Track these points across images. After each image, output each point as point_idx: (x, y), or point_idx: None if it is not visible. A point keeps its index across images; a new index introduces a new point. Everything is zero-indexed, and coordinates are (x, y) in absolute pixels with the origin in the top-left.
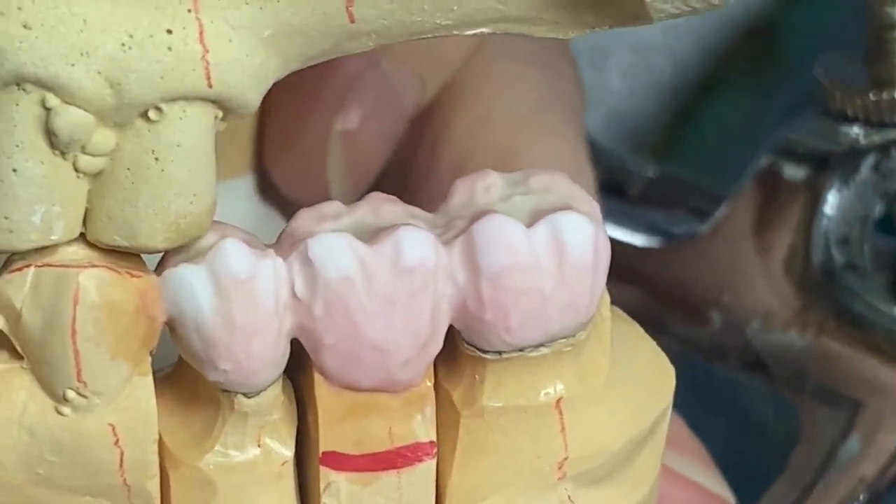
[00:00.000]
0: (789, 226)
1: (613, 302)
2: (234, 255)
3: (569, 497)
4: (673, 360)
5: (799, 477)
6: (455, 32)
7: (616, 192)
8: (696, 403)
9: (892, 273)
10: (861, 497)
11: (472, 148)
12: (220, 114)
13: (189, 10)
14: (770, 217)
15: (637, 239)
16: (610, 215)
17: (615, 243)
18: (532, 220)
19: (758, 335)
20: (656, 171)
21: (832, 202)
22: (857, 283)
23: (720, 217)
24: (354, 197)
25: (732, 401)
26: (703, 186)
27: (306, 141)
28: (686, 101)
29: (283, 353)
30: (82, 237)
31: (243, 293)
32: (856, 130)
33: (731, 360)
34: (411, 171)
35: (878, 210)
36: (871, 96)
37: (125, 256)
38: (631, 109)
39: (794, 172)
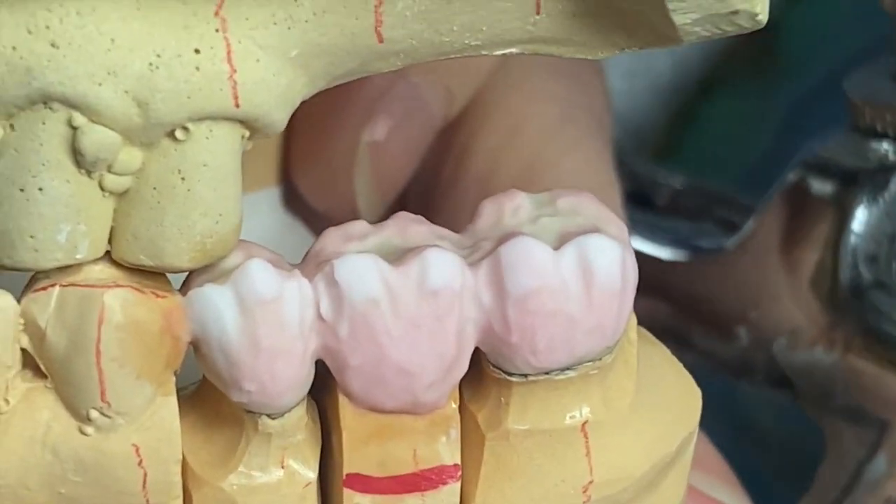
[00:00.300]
0: (817, 242)
1: (638, 315)
2: (260, 275)
3: None
4: (697, 375)
5: (825, 495)
6: (484, 52)
7: (643, 204)
8: (715, 420)
9: None
10: None
11: (498, 161)
12: (247, 133)
13: (217, 30)
14: (797, 233)
15: (663, 252)
16: (636, 227)
17: (641, 256)
18: (560, 242)
19: (784, 352)
20: (683, 183)
21: (860, 219)
22: (886, 301)
23: (747, 232)
24: (382, 208)
25: (750, 416)
26: (729, 198)
27: (334, 152)
28: (686, 102)
29: (307, 375)
30: (107, 256)
31: (268, 314)
32: (885, 146)
33: (756, 377)
34: (438, 182)
35: None
36: None
37: (150, 276)
38: (631, 109)
39: (822, 188)
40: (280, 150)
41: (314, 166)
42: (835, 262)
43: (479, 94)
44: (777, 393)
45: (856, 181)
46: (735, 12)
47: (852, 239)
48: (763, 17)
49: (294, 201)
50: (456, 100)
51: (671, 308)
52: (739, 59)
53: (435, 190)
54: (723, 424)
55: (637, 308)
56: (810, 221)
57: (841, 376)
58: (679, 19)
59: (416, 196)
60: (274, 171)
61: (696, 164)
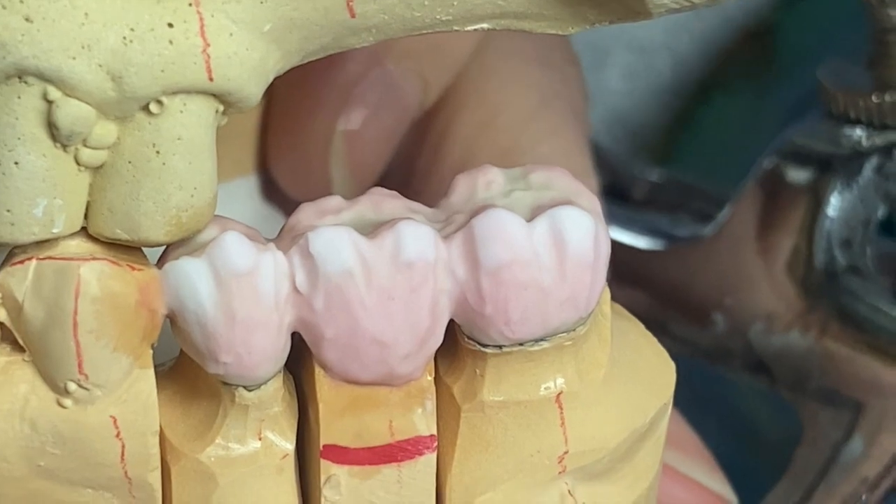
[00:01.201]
0: (792, 228)
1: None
2: (235, 248)
3: (569, 491)
4: (677, 363)
5: (801, 478)
6: (455, 28)
7: (620, 197)
8: (693, 405)
9: (894, 275)
10: (864, 498)
11: (475, 148)
12: (221, 108)
13: (190, 4)
14: (773, 219)
15: (640, 241)
16: (613, 218)
17: (618, 246)
18: (532, 215)
19: (760, 337)
20: (661, 176)
21: (835, 204)
22: (860, 285)
23: (723, 220)
24: (356, 192)
25: (728, 401)
26: (706, 190)
27: (309, 141)
28: (686, 102)
29: (283, 347)
30: (84, 231)
31: (244, 287)
32: (858, 133)
33: (733, 363)
34: (414, 171)
35: (880, 212)
36: (874, 99)
37: (127, 250)
38: (631, 110)
39: (796, 175)
40: (257, 138)
41: (290, 155)
42: (809, 248)
43: (454, 82)
44: (754, 378)
45: (830, 167)
46: None
47: (827, 224)
48: None
49: (271, 190)
50: (431, 88)
51: (648, 297)
52: (739, 59)
53: (411, 178)
54: (702, 410)
55: (615, 298)
56: (785, 208)
57: (816, 359)
58: (653, 2)
59: (392, 184)
60: (251, 160)
61: (696, 165)
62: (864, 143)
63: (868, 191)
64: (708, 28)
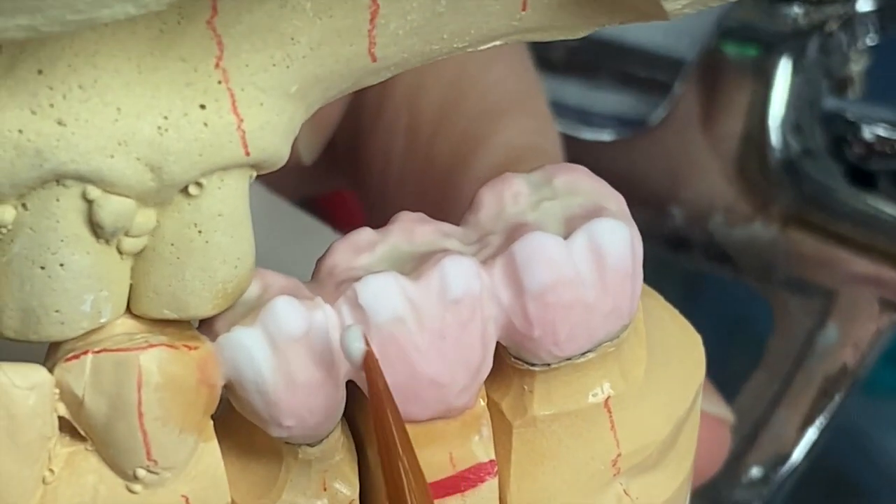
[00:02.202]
0: (739, 113)
1: None
2: (287, 312)
3: (624, 491)
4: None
5: (777, 367)
6: (469, 50)
7: (540, 63)
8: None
9: (844, 157)
10: (845, 383)
11: (423, 79)
12: (255, 173)
13: (219, 82)
14: (718, 105)
15: (586, 133)
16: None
17: (563, 139)
18: (566, 228)
19: (721, 229)
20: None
21: (782, 87)
22: (816, 169)
23: (668, 107)
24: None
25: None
26: (623, 49)
27: None
28: None
29: (342, 399)
30: (126, 310)
31: (300, 349)
32: (795, 10)
33: (695, 254)
34: (364, 106)
35: (824, 88)
36: None
37: (172, 323)
38: None
39: (739, 55)
40: None
41: None
42: (761, 135)
43: None
44: (717, 268)
45: (772, 47)
46: None
47: (776, 109)
48: None
49: None
50: None
51: None
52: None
53: (363, 113)
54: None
55: None
56: (730, 92)
57: (782, 250)
58: (670, 6)
59: (346, 121)
60: None
61: (640, 39)
62: (803, 20)
63: (812, 70)
64: (708, 28)
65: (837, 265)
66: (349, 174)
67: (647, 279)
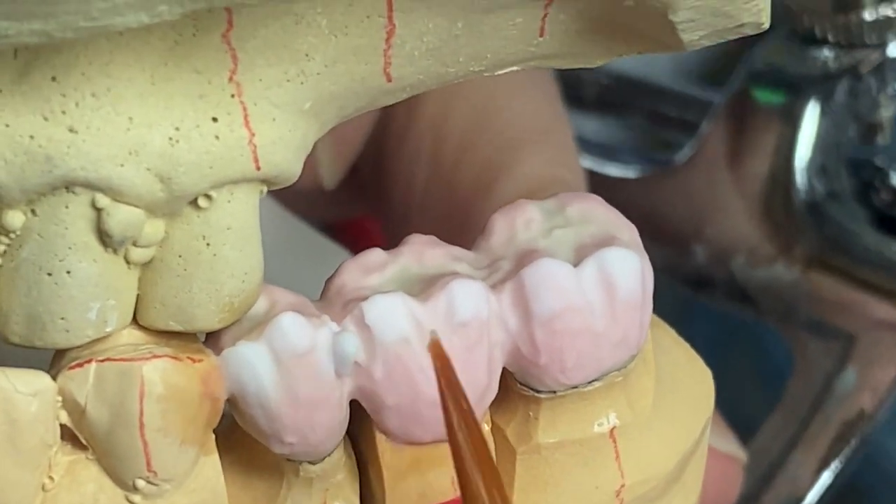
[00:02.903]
0: (765, 155)
1: None
2: (293, 328)
3: None
4: (661, 293)
5: (795, 409)
6: (486, 74)
7: (572, 101)
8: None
9: (870, 201)
10: (861, 428)
11: (450, 106)
12: (265, 189)
13: (232, 95)
14: (745, 144)
15: (612, 169)
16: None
17: (589, 174)
18: (577, 256)
19: (743, 270)
20: (610, 78)
21: (809, 130)
22: (841, 212)
23: (695, 145)
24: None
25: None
26: (656, 88)
27: None
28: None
29: (344, 418)
30: (133, 321)
31: (304, 366)
32: (826, 53)
33: (717, 293)
34: (390, 131)
35: (852, 133)
36: (840, 18)
37: (178, 335)
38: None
39: (767, 97)
40: None
41: None
42: (787, 176)
43: None
44: (739, 309)
45: (801, 90)
46: (741, 25)
47: (803, 151)
48: (766, 24)
49: None
50: None
51: None
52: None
53: (387, 138)
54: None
55: None
56: (757, 133)
57: (803, 292)
58: (687, 37)
59: (370, 146)
60: None
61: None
62: (832, 63)
63: (840, 114)
64: None
65: (858, 309)
66: (371, 199)
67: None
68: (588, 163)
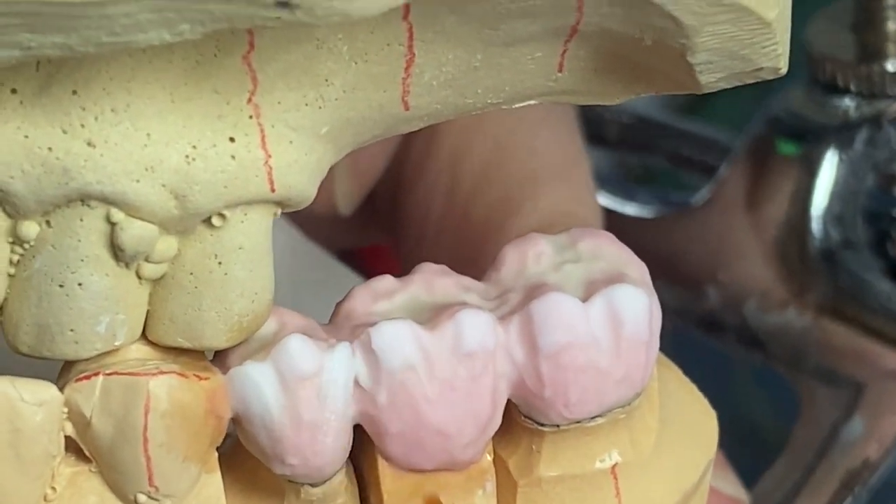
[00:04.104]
0: (782, 200)
1: None
2: (299, 351)
3: None
4: (669, 338)
5: (800, 456)
6: (503, 107)
7: (594, 140)
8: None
9: (884, 251)
10: (866, 477)
11: (470, 139)
12: (279, 210)
13: (250, 117)
14: (763, 190)
15: (630, 208)
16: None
17: (605, 213)
18: (586, 291)
19: (755, 314)
20: (631, 117)
21: (827, 178)
22: (855, 261)
23: (713, 189)
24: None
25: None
26: (676, 129)
27: None
28: (687, 102)
29: (347, 442)
30: (141, 336)
31: (309, 389)
32: (847, 102)
33: (727, 337)
34: (408, 160)
35: (869, 182)
36: (862, 68)
37: (186, 352)
38: (633, 106)
39: (786, 145)
40: None
41: None
42: (802, 223)
43: None
44: (748, 353)
45: (820, 138)
46: (759, 69)
47: (819, 199)
48: (784, 69)
49: None
50: None
51: None
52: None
53: (406, 168)
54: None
55: None
56: (775, 179)
57: (814, 339)
58: (705, 79)
59: (388, 175)
60: None
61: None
62: (853, 112)
63: (859, 163)
64: None
65: (868, 359)
66: (387, 227)
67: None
68: (606, 201)
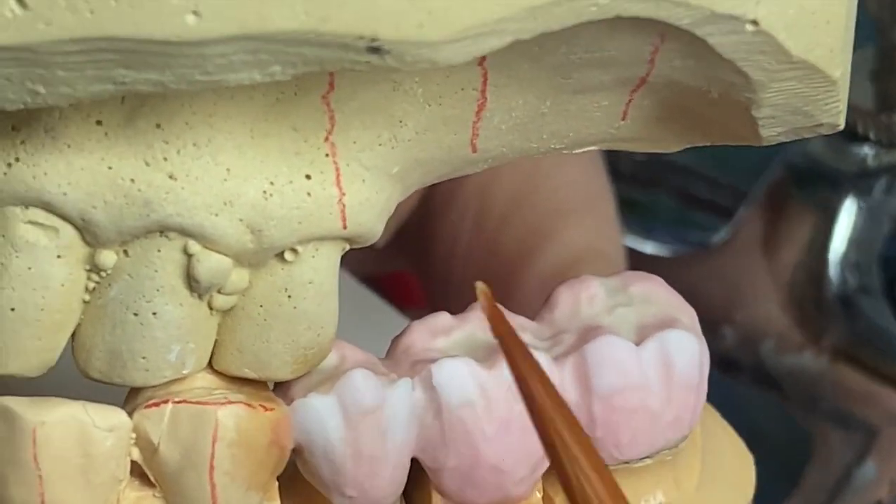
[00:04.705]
0: (800, 245)
1: None
2: (363, 385)
3: None
4: None
5: (812, 498)
6: (565, 152)
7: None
8: None
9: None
10: None
11: (498, 172)
12: (348, 247)
13: (327, 155)
14: (781, 235)
15: (647, 247)
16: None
17: (625, 251)
18: (639, 335)
19: (772, 355)
20: (643, 155)
21: (845, 225)
22: (871, 307)
23: (730, 230)
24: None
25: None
26: (685, 168)
27: None
28: None
29: (404, 476)
30: (207, 365)
31: (371, 423)
32: (866, 150)
33: (742, 377)
34: (436, 193)
35: (886, 229)
36: (882, 117)
37: (250, 382)
38: None
39: (805, 191)
40: None
41: None
42: (820, 268)
43: None
44: (764, 393)
45: (839, 185)
46: (819, 125)
47: (837, 245)
48: (842, 125)
49: None
50: None
51: None
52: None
53: (434, 199)
54: None
55: None
56: (793, 224)
57: (829, 382)
58: (766, 132)
59: (417, 205)
60: None
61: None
62: (871, 161)
63: (877, 211)
64: None
65: (882, 403)
66: (413, 256)
67: None
68: (623, 239)
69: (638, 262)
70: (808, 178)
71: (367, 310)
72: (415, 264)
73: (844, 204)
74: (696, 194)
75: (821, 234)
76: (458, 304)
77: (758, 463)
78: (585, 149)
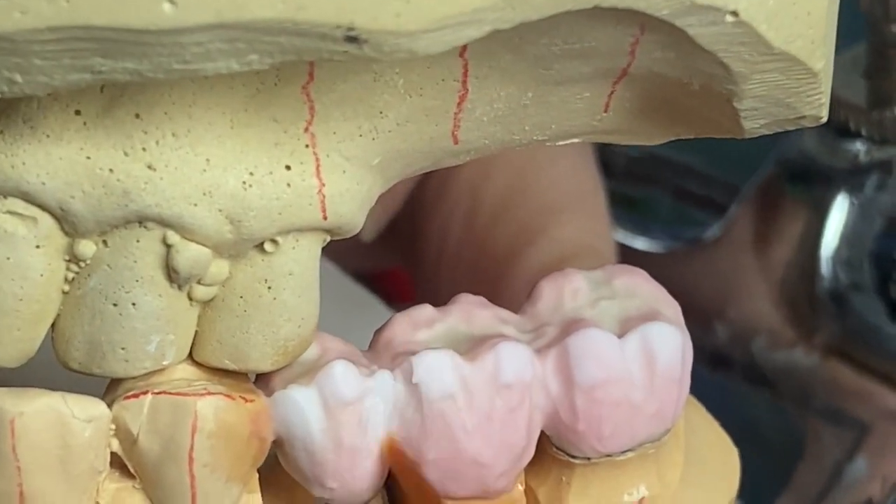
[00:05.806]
0: (792, 242)
1: None
2: (344, 377)
3: None
4: None
5: (804, 494)
6: (548, 143)
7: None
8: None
9: (887, 290)
10: None
11: (490, 167)
12: (328, 238)
13: (307, 146)
14: (773, 231)
15: (639, 243)
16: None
17: (617, 246)
18: (622, 328)
19: (763, 352)
20: (639, 151)
21: (837, 221)
22: (863, 302)
23: (722, 227)
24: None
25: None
26: (680, 164)
27: None
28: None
29: (385, 468)
30: (188, 356)
31: (351, 414)
32: (858, 146)
33: (734, 373)
34: (427, 189)
35: (877, 226)
36: (874, 114)
37: (230, 374)
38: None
39: (796, 187)
40: None
41: None
42: (811, 265)
43: None
44: (756, 389)
45: (830, 182)
46: (802, 117)
47: (829, 241)
48: (825, 118)
49: None
50: None
51: None
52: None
53: (425, 195)
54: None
55: None
56: (785, 220)
57: (821, 379)
58: (748, 124)
59: (408, 201)
60: None
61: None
62: (863, 157)
63: (868, 207)
64: None
65: (874, 400)
66: (404, 251)
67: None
68: (616, 235)
69: (631, 257)
70: (801, 175)
71: (358, 306)
72: (406, 260)
73: (836, 200)
74: (691, 190)
75: (813, 230)
76: (447, 301)
77: (749, 459)
78: (568, 141)
